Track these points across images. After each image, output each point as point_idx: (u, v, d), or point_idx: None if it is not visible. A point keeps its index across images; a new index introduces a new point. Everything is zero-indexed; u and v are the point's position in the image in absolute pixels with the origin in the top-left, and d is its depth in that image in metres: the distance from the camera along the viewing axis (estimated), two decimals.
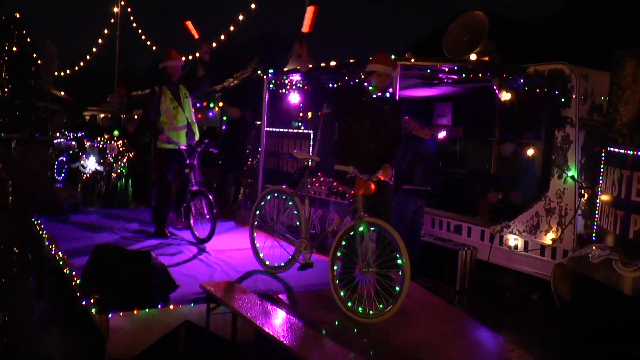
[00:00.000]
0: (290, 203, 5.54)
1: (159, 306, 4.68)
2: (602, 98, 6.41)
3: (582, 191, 6.35)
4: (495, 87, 6.86)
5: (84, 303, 4.83)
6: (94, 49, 18.50)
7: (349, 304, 4.58)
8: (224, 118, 12.73)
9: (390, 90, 5.17)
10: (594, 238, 6.00)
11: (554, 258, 6.36)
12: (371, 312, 4.45)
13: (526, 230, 6.70)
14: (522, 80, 6.71)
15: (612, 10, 11.19)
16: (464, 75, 6.99)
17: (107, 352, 4.45)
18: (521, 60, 6.98)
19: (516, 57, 7.13)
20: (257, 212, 5.90)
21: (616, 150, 5.69)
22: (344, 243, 4.76)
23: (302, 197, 5.40)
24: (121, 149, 10.96)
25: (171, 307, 4.72)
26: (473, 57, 6.59)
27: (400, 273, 4.37)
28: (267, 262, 5.80)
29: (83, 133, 13.68)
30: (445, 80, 7.69)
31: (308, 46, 6.48)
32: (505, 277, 6.76)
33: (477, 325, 4.92)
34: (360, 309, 4.51)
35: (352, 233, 4.69)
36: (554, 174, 6.57)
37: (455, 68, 6.78)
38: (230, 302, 4.58)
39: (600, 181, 5.96)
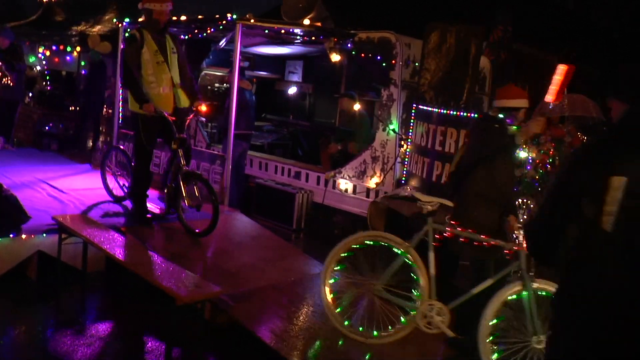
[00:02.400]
0: (402, 256, 4.26)
1: (12, 236, 5.00)
2: (416, 65, 7.50)
3: (402, 142, 7.44)
4: (326, 49, 7.74)
5: None
6: None
7: None
8: (82, 63, 12.56)
9: None
10: (403, 182, 7.15)
11: None
12: None
13: (355, 175, 7.72)
14: (350, 45, 7.62)
15: None
16: (298, 37, 7.79)
17: None
18: (359, 27, 7.87)
19: (355, 24, 8.02)
20: (338, 262, 4.43)
21: (423, 107, 6.80)
22: (496, 322, 3.83)
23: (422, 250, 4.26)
24: None
25: (23, 237, 5.07)
26: (306, 22, 7.37)
27: None
28: (347, 323, 4.33)
29: None
30: (294, 40, 8.46)
31: None
32: (337, 216, 7.77)
33: (298, 252, 5.83)
34: None
35: (510, 299, 3.85)
36: (379, 127, 7.61)
37: (291, 30, 7.55)
38: (81, 232, 5.00)
39: (411, 133, 7.08)
